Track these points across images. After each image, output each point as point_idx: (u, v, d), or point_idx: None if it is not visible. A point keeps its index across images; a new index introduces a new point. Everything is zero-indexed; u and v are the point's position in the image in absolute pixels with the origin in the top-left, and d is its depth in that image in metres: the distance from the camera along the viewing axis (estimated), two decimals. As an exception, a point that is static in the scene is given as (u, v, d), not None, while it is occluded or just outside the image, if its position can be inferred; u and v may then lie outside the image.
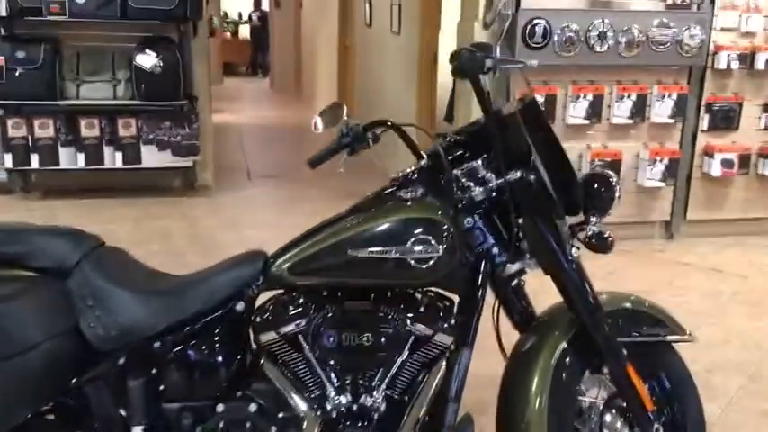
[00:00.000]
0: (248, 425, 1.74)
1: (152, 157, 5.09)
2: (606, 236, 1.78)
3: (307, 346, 1.72)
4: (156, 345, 1.71)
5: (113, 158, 5.05)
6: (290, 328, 1.72)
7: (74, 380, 1.67)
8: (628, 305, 1.92)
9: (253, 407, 1.75)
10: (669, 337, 1.88)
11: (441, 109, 4.96)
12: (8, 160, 4.97)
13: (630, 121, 4.35)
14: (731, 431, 2.52)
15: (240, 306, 1.74)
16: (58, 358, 1.61)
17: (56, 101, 4.81)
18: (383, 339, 1.72)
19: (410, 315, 1.73)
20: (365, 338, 1.71)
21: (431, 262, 1.64)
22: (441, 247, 1.64)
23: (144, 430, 1.70)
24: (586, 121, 4.28)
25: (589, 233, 1.79)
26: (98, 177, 5.17)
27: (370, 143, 1.79)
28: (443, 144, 1.79)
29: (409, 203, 1.73)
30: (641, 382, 1.83)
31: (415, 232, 1.65)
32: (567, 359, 1.81)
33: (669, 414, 1.91)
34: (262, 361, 1.77)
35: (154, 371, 1.72)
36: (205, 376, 1.74)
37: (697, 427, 1.92)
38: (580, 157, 4.31)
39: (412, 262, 1.64)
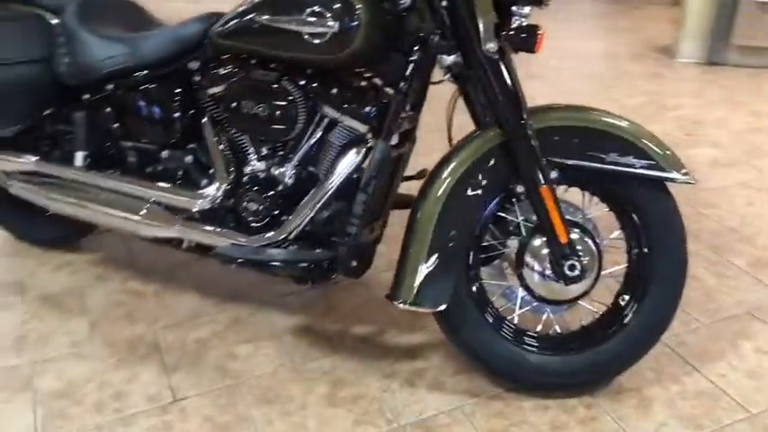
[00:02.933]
0: (180, 173, 1.87)
1: None
2: (529, 33, 1.50)
3: (228, 112, 1.74)
4: (111, 87, 1.87)
5: None
6: (216, 89, 1.75)
7: (43, 108, 1.96)
8: (595, 125, 1.58)
9: (189, 159, 1.86)
10: (640, 171, 1.56)
11: None
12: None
13: None
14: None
15: (193, 65, 1.80)
16: (29, 81, 1.89)
17: None
18: (284, 113, 1.65)
19: (318, 94, 1.65)
20: (268, 109, 1.67)
21: (325, 38, 1.52)
22: (336, 23, 1.50)
23: (85, 156, 1.94)
24: None
25: (513, 26, 1.52)
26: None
27: None
28: None
29: None
30: (557, 209, 1.57)
31: (311, 3, 1.53)
32: (480, 174, 1.58)
33: (637, 261, 1.67)
34: (204, 120, 1.82)
35: (109, 109, 1.90)
36: (155, 123, 1.86)
37: (671, 286, 1.66)
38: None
39: (306, 36, 1.54)
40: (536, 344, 1.70)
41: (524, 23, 1.51)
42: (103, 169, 1.92)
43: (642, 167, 1.56)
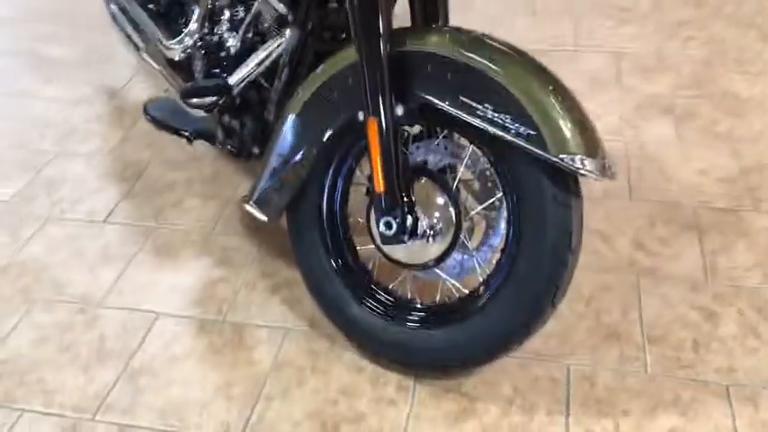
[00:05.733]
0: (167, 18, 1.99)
1: None
2: None
3: None
4: None
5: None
6: None
7: None
8: (476, 64, 1.27)
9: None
10: (511, 138, 1.24)
11: None
12: None
13: None
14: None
15: None
16: None
17: None
18: None
19: None
20: None
21: None
22: None
23: None
24: None
25: None
26: None
27: None
28: None
29: None
30: (381, 150, 1.36)
31: None
32: (335, 92, 1.42)
33: (505, 243, 1.41)
34: None
35: None
36: None
37: (532, 293, 1.37)
38: None
39: None
40: (387, 308, 1.56)
41: None
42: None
43: (517, 134, 1.24)
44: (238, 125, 1.82)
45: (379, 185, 1.39)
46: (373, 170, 1.39)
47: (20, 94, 2.64)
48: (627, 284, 1.78)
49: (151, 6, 2.08)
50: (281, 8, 1.60)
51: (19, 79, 2.74)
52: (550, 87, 1.28)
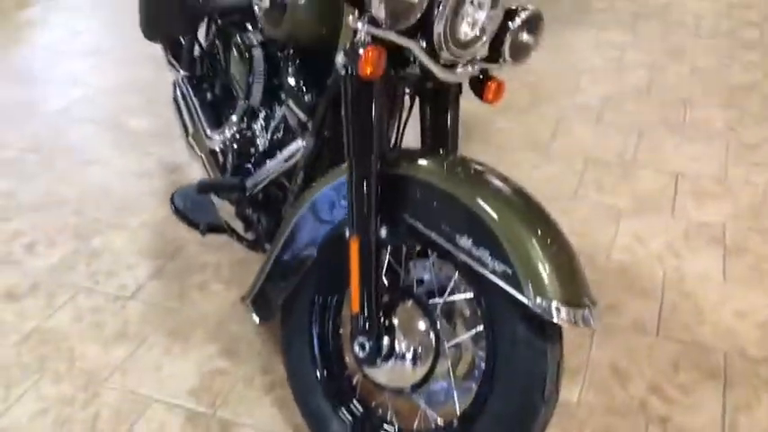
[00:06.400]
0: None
1: None
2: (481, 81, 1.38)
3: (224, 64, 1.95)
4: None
5: None
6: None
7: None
8: (460, 196, 1.26)
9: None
10: (488, 274, 1.21)
11: None
12: None
13: None
14: None
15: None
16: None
17: None
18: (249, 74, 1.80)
19: (276, 65, 1.74)
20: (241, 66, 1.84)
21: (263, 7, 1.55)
22: None
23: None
24: None
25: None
26: None
27: None
28: None
29: None
30: (360, 269, 1.35)
31: None
32: (329, 206, 1.43)
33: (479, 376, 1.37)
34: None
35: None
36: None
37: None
38: None
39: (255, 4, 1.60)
40: (362, 426, 1.55)
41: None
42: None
43: (494, 271, 1.21)
44: (256, 219, 1.87)
45: (356, 305, 1.38)
46: (351, 289, 1.38)
47: (93, 162, 2.83)
48: (631, 432, 1.67)
49: (204, 95, 2.20)
50: (301, 115, 1.66)
51: (96, 148, 2.94)
52: (538, 229, 1.25)
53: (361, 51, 1.24)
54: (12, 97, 3.36)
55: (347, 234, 1.38)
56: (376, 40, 1.26)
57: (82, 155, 2.88)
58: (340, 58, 1.30)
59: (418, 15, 1.24)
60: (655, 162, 2.78)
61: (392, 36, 1.25)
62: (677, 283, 2.14)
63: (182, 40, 2.34)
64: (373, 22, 1.24)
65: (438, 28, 1.26)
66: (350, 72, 1.28)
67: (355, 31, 1.26)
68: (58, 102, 3.30)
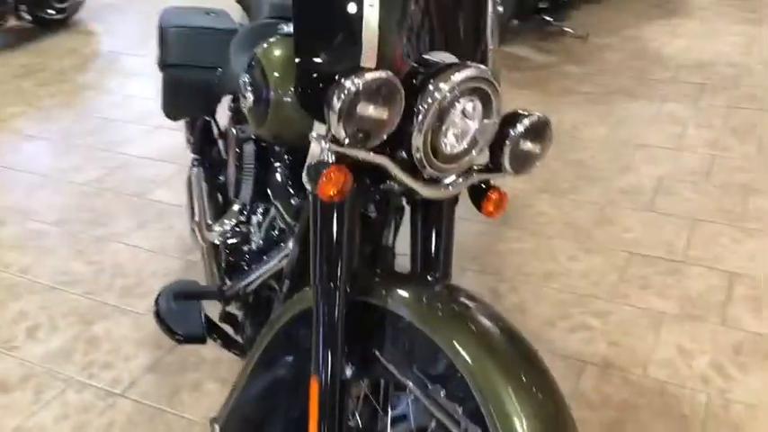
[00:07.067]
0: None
1: None
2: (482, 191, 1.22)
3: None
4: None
5: None
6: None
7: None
8: (437, 338, 1.06)
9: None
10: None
11: None
12: None
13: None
14: None
15: None
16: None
17: None
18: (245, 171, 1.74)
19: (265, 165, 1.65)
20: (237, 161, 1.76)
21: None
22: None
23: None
24: None
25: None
26: None
27: None
28: None
29: None
30: (319, 410, 1.16)
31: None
32: (294, 337, 1.28)
33: None
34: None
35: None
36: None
37: None
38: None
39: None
40: None
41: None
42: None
43: (465, 431, 1.04)
44: (245, 323, 1.74)
45: None
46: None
47: (112, 236, 2.77)
48: None
49: (213, 181, 2.11)
50: (287, 218, 1.55)
51: (117, 220, 2.89)
52: (523, 380, 1.03)
53: (323, 171, 1.10)
54: (52, 165, 3.38)
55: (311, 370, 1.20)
56: (342, 158, 1.11)
57: (104, 228, 2.83)
58: (303, 176, 1.15)
59: (389, 132, 1.09)
60: (708, 259, 2.52)
61: (361, 154, 1.11)
62: (721, 410, 1.87)
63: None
64: (336, 139, 1.09)
65: (417, 141, 1.10)
66: (313, 192, 1.13)
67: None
68: (94, 171, 3.29)
